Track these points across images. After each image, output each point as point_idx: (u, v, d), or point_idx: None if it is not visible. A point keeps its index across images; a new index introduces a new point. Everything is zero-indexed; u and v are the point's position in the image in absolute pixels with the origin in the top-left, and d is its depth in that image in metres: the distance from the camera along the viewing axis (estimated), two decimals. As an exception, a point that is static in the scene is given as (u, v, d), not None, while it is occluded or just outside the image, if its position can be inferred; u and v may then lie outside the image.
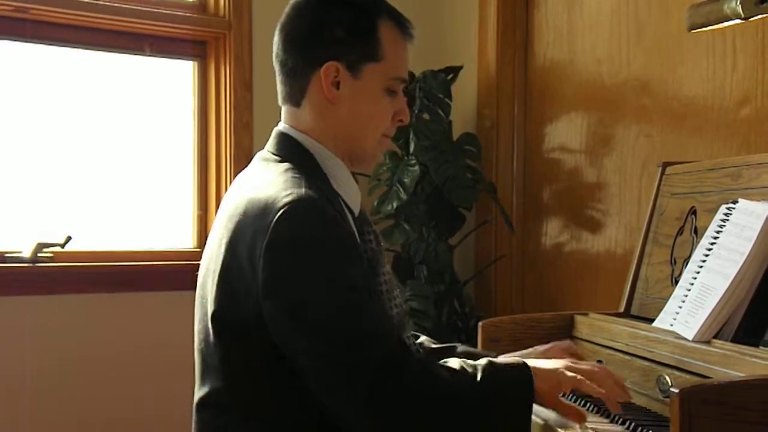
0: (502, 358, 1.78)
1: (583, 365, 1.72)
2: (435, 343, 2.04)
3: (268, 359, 1.64)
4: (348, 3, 1.78)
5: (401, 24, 1.83)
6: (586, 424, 1.68)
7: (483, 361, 1.65)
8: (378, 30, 1.78)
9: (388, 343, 1.60)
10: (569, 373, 1.66)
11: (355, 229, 1.74)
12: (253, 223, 1.63)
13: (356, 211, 1.81)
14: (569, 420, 1.69)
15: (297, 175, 1.70)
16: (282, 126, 1.84)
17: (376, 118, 1.81)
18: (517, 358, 1.72)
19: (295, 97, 1.81)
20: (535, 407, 1.65)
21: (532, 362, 1.68)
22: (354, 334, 1.58)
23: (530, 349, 2.00)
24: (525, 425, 1.62)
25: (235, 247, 1.66)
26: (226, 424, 1.69)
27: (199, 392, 1.75)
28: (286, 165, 1.75)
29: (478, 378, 1.61)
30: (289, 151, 1.79)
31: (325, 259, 1.61)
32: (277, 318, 1.59)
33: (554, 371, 1.67)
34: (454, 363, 1.65)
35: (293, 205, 1.60)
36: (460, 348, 1.98)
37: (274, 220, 1.59)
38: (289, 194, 1.63)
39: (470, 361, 1.66)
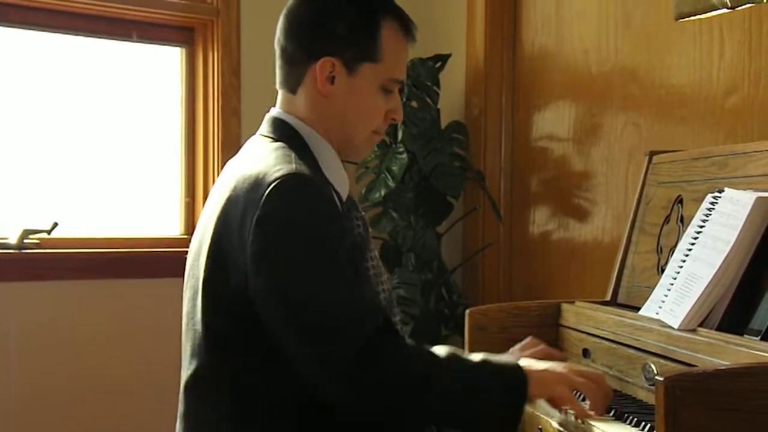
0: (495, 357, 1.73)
1: (580, 376, 1.67)
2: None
3: (252, 337, 1.64)
4: None
5: (405, 26, 1.82)
6: (569, 410, 1.68)
7: (477, 356, 1.64)
8: (380, 30, 1.77)
9: (374, 322, 1.61)
10: (562, 387, 1.64)
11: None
12: (244, 196, 1.64)
13: (344, 196, 1.81)
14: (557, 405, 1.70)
15: (288, 152, 1.71)
16: (276, 111, 1.84)
17: (368, 116, 1.82)
18: (510, 359, 1.69)
19: (291, 84, 1.81)
20: None
21: (528, 364, 1.65)
22: (340, 311, 1.58)
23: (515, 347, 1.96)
24: (513, 426, 1.61)
25: (227, 220, 1.66)
26: (211, 402, 1.69)
27: (185, 373, 1.75)
28: (277, 143, 1.76)
29: (469, 367, 1.61)
30: (282, 133, 1.79)
31: (315, 235, 1.61)
32: (264, 293, 1.59)
33: (548, 379, 1.64)
34: (442, 350, 1.64)
35: (284, 180, 1.61)
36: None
37: (265, 194, 1.60)
38: (280, 169, 1.63)
39: (461, 353, 1.65)
